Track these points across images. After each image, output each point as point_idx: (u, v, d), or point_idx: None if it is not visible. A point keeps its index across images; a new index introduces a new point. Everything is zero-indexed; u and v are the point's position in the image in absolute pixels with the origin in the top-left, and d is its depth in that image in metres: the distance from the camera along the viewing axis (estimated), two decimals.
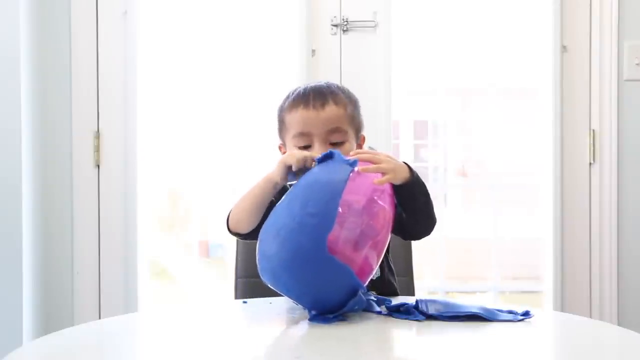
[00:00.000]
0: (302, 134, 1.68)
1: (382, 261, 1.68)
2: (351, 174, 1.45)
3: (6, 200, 2.45)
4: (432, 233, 1.64)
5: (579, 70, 2.71)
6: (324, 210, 1.39)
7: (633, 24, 2.70)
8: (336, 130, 1.67)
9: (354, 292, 1.40)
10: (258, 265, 1.45)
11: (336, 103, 1.69)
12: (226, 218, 1.65)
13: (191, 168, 2.91)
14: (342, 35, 2.68)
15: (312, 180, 1.48)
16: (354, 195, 1.43)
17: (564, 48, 2.69)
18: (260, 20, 2.74)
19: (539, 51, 2.77)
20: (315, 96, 1.69)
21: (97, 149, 2.65)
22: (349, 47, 2.68)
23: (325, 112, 1.67)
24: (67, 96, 2.63)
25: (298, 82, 2.53)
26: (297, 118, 1.68)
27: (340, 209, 1.39)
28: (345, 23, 2.67)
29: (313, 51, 2.66)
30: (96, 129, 2.65)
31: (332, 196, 1.41)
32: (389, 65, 2.67)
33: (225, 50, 2.76)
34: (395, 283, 1.73)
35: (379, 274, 1.68)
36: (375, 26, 2.67)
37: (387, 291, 1.67)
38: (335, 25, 2.67)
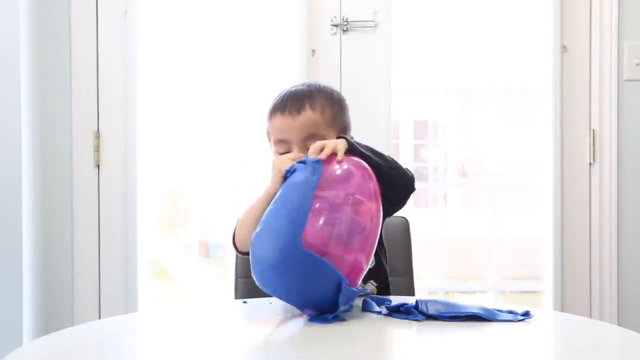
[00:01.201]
0: (281, 141, 1.70)
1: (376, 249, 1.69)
2: (333, 173, 1.47)
3: (6, 200, 2.45)
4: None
5: (579, 70, 2.71)
6: (297, 207, 1.43)
7: (633, 24, 2.70)
8: (313, 136, 1.66)
9: (338, 286, 1.40)
10: (252, 270, 1.47)
11: (313, 108, 1.70)
12: (232, 238, 1.66)
13: (191, 168, 2.91)
14: (342, 35, 2.68)
15: (290, 182, 1.51)
16: (333, 191, 1.45)
17: (564, 48, 2.69)
18: (260, 20, 2.74)
19: (539, 51, 2.77)
20: (292, 102, 1.70)
21: (97, 149, 2.65)
22: (349, 47, 2.68)
23: (301, 118, 1.68)
24: (67, 96, 2.63)
25: (298, 82, 2.53)
26: (276, 125, 1.71)
27: (318, 205, 1.42)
28: (345, 23, 2.67)
29: (313, 51, 2.66)
30: (96, 129, 2.65)
31: (305, 192, 1.45)
32: (389, 65, 2.67)
33: (225, 50, 2.76)
34: (386, 265, 1.74)
35: (374, 262, 1.68)
36: (375, 26, 2.67)
37: (382, 278, 1.69)
38: (335, 25, 2.67)
